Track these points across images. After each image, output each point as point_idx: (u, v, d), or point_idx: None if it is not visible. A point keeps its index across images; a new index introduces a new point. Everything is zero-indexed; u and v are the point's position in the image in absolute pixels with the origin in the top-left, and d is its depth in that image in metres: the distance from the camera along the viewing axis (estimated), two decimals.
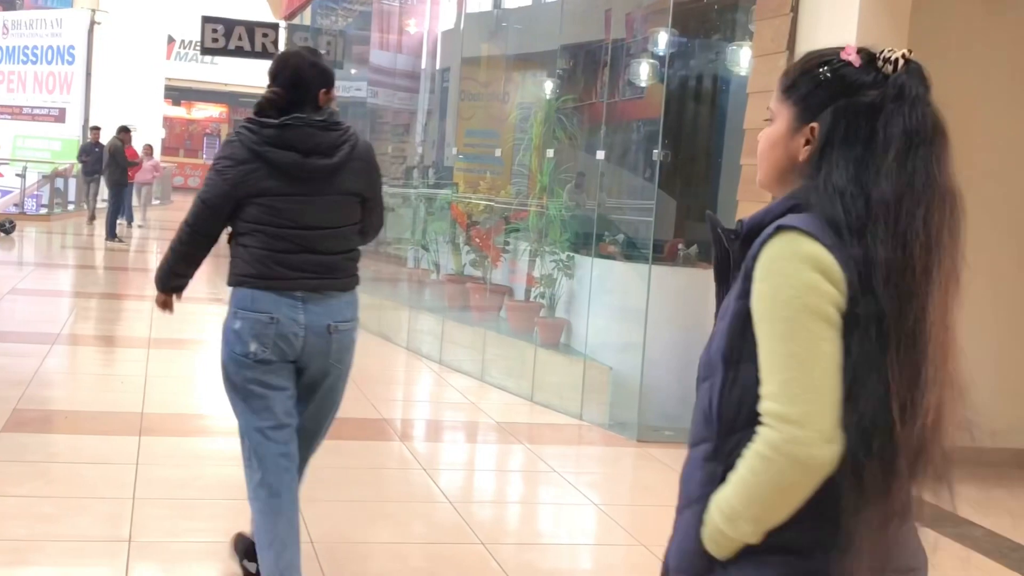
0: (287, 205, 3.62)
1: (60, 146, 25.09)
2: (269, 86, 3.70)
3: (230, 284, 3.73)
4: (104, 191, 19.61)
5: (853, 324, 1.64)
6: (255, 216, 3.63)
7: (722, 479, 1.72)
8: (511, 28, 11.06)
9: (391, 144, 14.44)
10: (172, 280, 3.90)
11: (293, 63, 3.73)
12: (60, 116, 25.14)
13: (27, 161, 22.20)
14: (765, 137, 1.86)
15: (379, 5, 14.27)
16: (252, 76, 33.16)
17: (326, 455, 6.09)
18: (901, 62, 1.75)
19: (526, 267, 9.01)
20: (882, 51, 1.77)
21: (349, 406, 7.34)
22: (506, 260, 9.47)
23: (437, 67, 13.31)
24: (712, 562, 1.74)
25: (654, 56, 8.69)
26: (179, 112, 38.68)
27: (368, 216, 3.84)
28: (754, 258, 1.71)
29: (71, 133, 25.16)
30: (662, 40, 8.44)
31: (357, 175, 3.73)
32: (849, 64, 1.78)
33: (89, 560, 4.36)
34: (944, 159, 1.73)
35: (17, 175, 21.58)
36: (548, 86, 9.65)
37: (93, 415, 6.61)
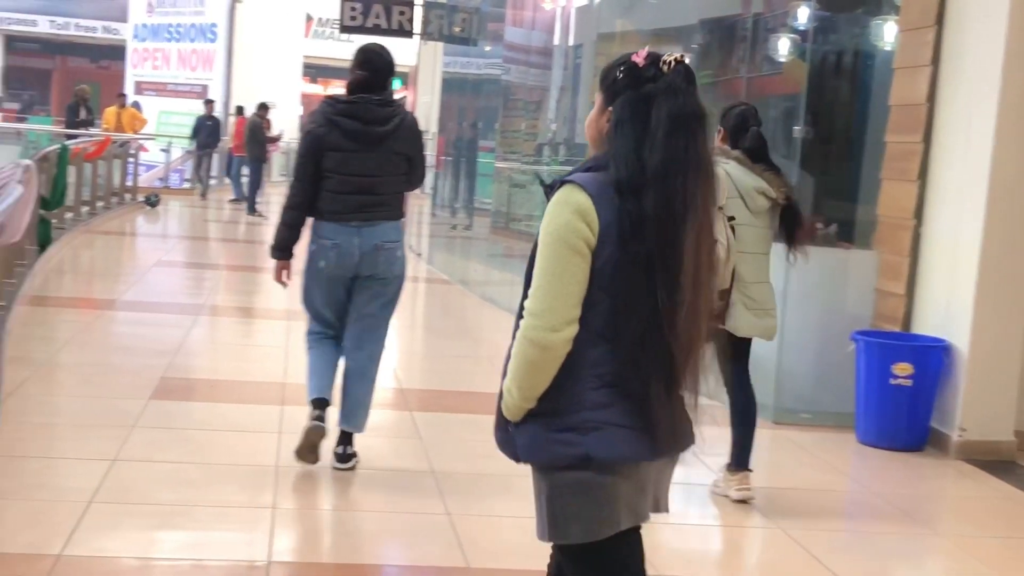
0: (351, 159, 4.97)
1: None
2: (352, 70, 5.04)
3: (310, 215, 5.08)
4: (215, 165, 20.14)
5: (628, 258, 2.27)
6: (329, 167, 4.98)
7: None
8: (647, 3, 10.96)
9: (524, 121, 14.47)
10: (284, 245, 5.15)
11: (370, 55, 5.08)
12: (203, 93, 25.77)
13: (171, 137, 22.86)
14: (590, 115, 2.47)
15: None
16: None
17: (460, 428, 6.18)
18: (674, 64, 2.33)
19: None
20: (663, 55, 2.34)
21: (483, 380, 7.44)
22: None
23: (571, 43, 13.26)
24: (507, 422, 2.45)
25: (794, 30, 8.50)
26: (316, 89, 39.37)
27: (412, 170, 5.18)
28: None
29: (213, 109, 25.87)
30: (803, 14, 8.26)
31: (404, 140, 5.07)
32: (637, 65, 2.35)
33: (233, 525, 4.49)
34: (701, 138, 2.32)
35: (162, 150, 22.23)
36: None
37: (236, 384, 6.80)
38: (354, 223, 4.99)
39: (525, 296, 2.36)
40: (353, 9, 14.06)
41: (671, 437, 2.41)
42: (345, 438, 5.16)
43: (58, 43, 36.95)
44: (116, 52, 31.23)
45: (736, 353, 5.20)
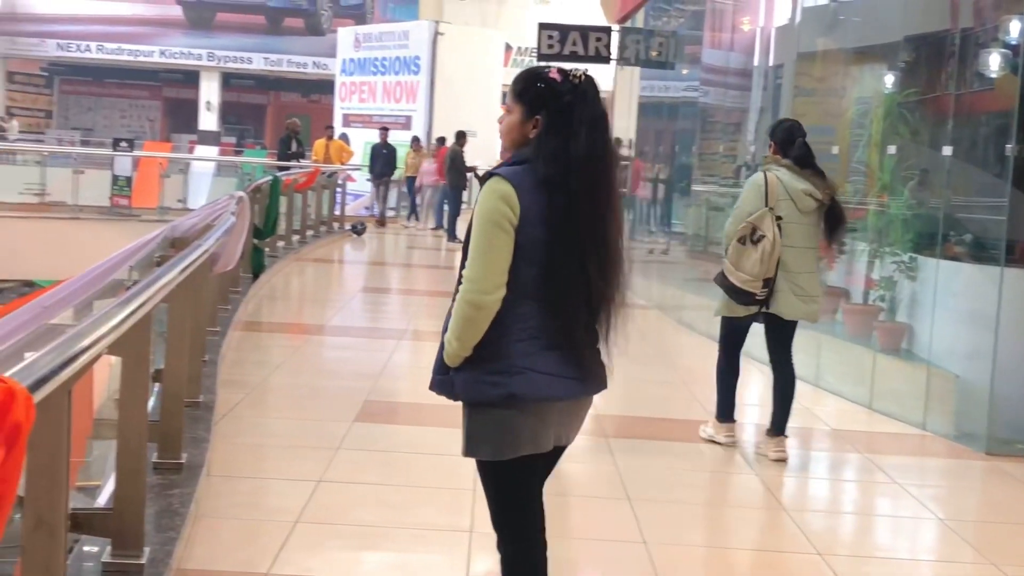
0: None
1: (406, 152, 26.51)
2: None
3: None
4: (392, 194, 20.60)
5: (554, 235, 2.85)
6: None
7: None
8: (849, 21, 10.69)
9: (722, 143, 14.30)
10: None
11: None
12: (406, 124, 26.49)
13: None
14: (507, 123, 3.00)
15: (712, 4, 14.17)
16: None
17: (657, 455, 6.14)
18: (584, 77, 2.94)
19: (864, 269, 8.67)
20: (571, 71, 2.94)
21: (679, 407, 7.37)
22: (842, 261, 9.16)
23: (770, 63, 13.06)
24: (447, 369, 2.96)
25: (1006, 45, 8.15)
26: None
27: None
28: None
29: (387, 138, 26.55)
30: (1015, 28, 7.91)
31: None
32: (555, 80, 2.92)
33: (433, 548, 4.57)
34: (608, 134, 2.97)
35: (368, 180, 22.92)
36: (888, 79, 9.26)
37: (436, 408, 6.92)
38: None
39: (463, 266, 2.91)
40: (550, 37, 14.22)
41: (584, 382, 3.01)
42: None
43: (271, 79, 38.66)
44: (325, 86, 32.47)
45: (781, 335, 6.17)
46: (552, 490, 5.39)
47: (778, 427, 6.17)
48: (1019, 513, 5.66)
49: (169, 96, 40.34)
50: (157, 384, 5.11)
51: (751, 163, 12.40)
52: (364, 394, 7.00)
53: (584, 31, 14.42)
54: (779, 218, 5.89)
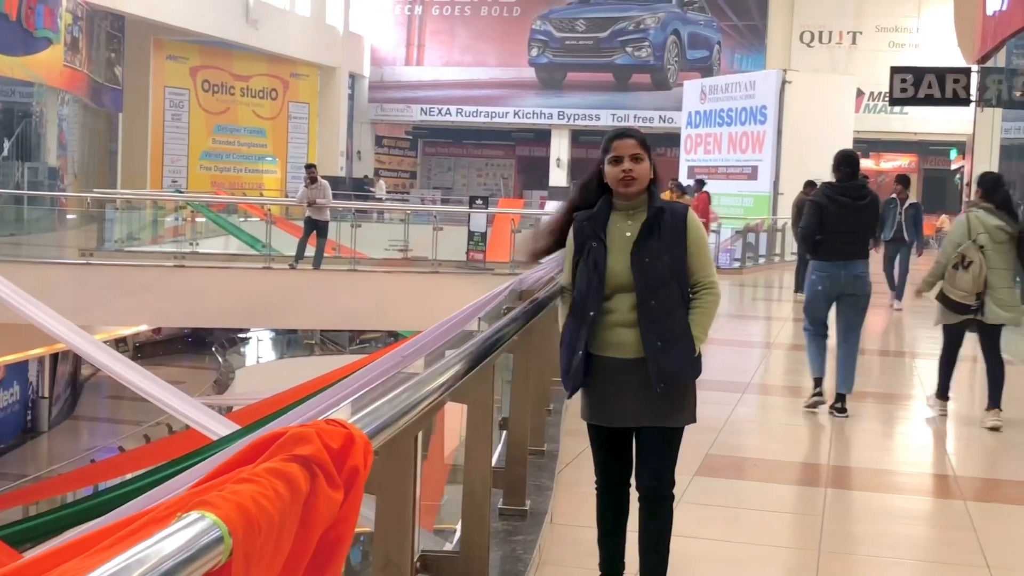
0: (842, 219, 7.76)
1: (752, 202, 26.22)
2: (838, 167, 7.93)
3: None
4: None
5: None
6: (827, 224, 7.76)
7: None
8: None
9: None
10: None
11: (848, 158, 7.96)
12: (752, 174, 26.27)
13: (722, 218, 23.46)
14: (645, 170, 3.95)
15: None
16: (942, 123, 32.41)
17: (1020, 522, 5.69)
18: None
19: None
20: None
21: None
22: None
23: None
24: (694, 358, 3.95)
25: None
26: (868, 164, 38.69)
27: (874, 227, 8.31)
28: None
29: (762, 189, 26.18)
30: None
31: (873, 208, 8.08)
32: None
33: None
34: None
35: (712, 231, 22.88)
36: None
37: (781, 464, 6.77)
38: (838, 261, 7.80)
39: (684, 278, 3.92)
40: (904, 80, 13.74)
41: None
42: (840, 399, 7.92)
43: None
44: (671, 140, 32.74)
45: (991, 335, 7.96)
46: (904, 554, 5.14)
47: (993, 401, 7.87)
48: None
49: (522, 154, 42.01)
50: (504, 432, 5.28)
51: None
52: (706, 447, 6.93)
53: (940, 73, 13.82)
54: (981, 247, 7.68)
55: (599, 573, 4.12)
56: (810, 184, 19.87)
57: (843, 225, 7.68)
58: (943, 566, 5.05)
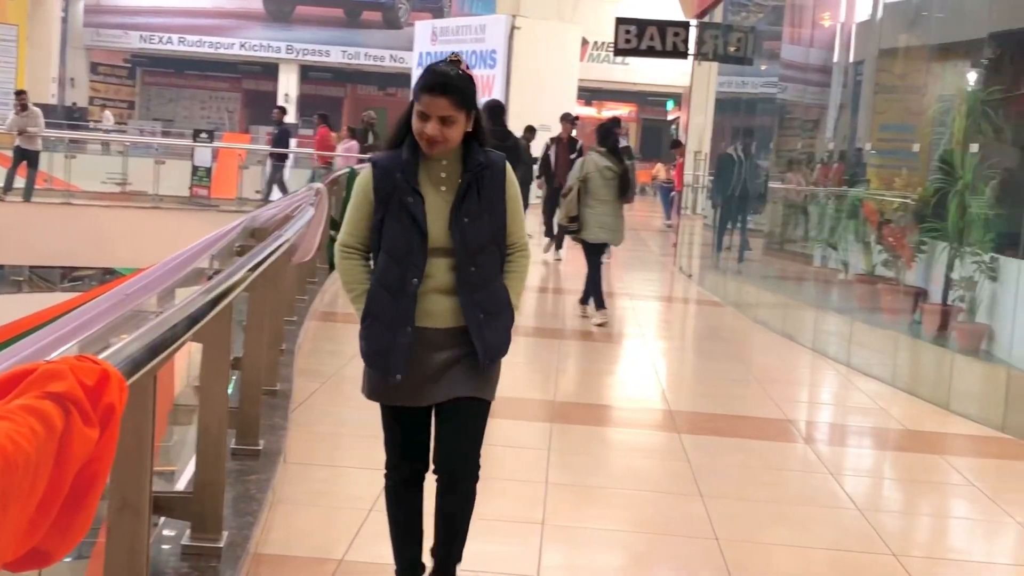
0: None
1: None
2: None
3: None
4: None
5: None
6: None
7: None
8: (932, 16, 10.52)
9: (800, 140, 14.17)
10: None
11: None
12: None
13: None
14: (457, 132, 3.36)
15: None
16: (661, 75, 33.73)
17: (730, 452, 6.12)
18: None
19: (943, 269, 8.55)
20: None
21: (753, 404, 7.33)
22: (921, 260, 9.03)
23: (851, 60, 12.90)
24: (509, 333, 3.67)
25: None
26: (590, 112, 39.90)
27: None
28: None
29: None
30: None
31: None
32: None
33: (505, 539, 4.60)
34: None
35: None
36: (972, 77, 9.11)
37: (508, 401, 6.97)
38: None
39: (503, 239, 3.53)
40: (628, 32, 14.20)
41: None
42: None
43: (348, 72, 39.02)
44: (402, 79, 32.70)
45: (593, 251, 10.13)
46: (624, 484, 5.44)
47: (599, 304, 10.04)
48: None
49: (248, 88, 40.90)
50: (235, 372, 5.19)
51: (829, 160, 12.29)
52: None
53: (662, 26, 14.37)
54: (584, 182, 9.78)
55: None
56: (529, 129, 20.31)
57: None
58: (662, 495, 5.36)
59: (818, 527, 5.11)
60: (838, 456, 6.61)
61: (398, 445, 3.63)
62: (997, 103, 8.29)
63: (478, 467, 3.70)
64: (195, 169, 20.10)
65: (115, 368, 1.68)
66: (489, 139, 3.47)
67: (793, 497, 5.57)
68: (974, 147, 8.20)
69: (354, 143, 20.50)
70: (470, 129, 3.39)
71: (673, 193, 22.12)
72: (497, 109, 10.96)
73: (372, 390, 3.62)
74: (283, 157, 20.98)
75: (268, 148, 21.44)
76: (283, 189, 19.66)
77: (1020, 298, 7.36)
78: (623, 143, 14.87)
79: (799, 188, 12.95)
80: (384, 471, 3.70)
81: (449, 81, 3.31)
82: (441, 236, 3.40)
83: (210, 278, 4.79)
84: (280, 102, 37.88)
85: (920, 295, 8.96)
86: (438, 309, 3.45)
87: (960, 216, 8.20)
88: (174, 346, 2.58)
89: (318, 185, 8.59)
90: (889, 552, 4.68)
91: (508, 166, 3.52)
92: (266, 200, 18.94)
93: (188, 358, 5.65)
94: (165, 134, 33.44)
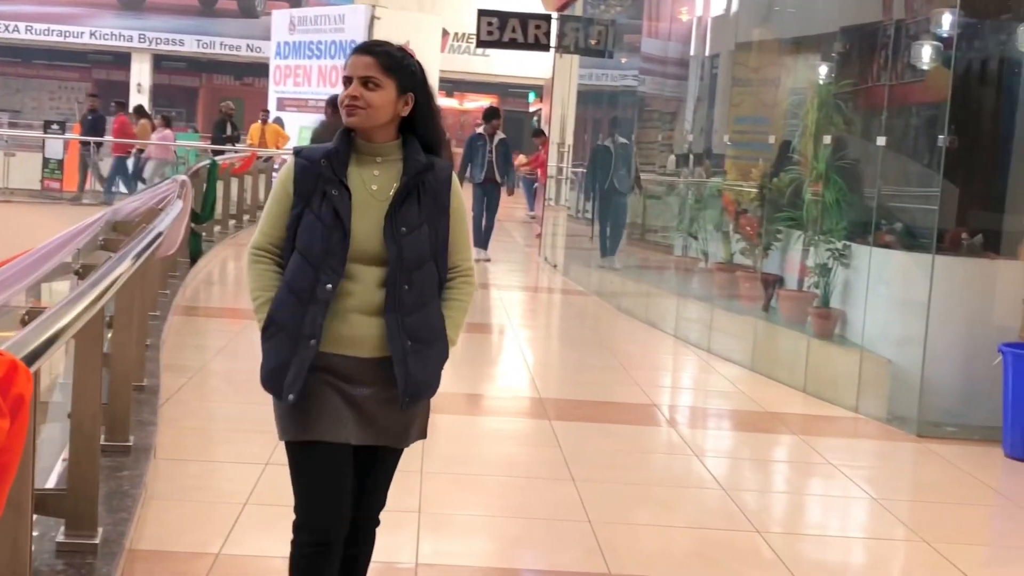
0: None
1: None
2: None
3: None
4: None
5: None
6: None
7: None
8: (785, 11, 10.86)
9: (660, 132, 14.46)
10: None
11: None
12: None
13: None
14: (383, 99, 2.89)
15: None
16: (522, 67, 33.94)
17: (599, 438, 6.25)
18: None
19: (799, 256, 8.86)
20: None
21: (620, 390, 7.50)
22: (778, 248, 9.34)
23: (707, 53, 13.22)
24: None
25: (938, 37, 8.35)
26: (452, 103, 39.92)
27: None
28: None
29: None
30: (946, 20, 8.11)
31: None
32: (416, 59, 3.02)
33: (382, 529, 4.61)
34: None
35: None
36: (824, 70, 9.43)
37: None
38: None
39: (444, 259, 3.02)
40: (490, 24, 14.28)
41: None
42: None
43: (204, 61, 38.23)
44: (259, 69, 32.18)
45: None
46: (498, 471, 5.52)
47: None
48: (948, 493, 5.85)
49: (99, 78, 39.71)
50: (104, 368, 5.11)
51: (688, 152, 12.58)
52: None
53: (524, 18, 14.49)
54: None
55: None
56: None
57: None
58: (534, 480, 5.46)
59: (684, 506, 5.27)
60: (701, 438, 6.82)
61: (312, 497, 3.00)
62: (848, 96, 8.62)
63: (383, 506, 3.23)
64: (46, 161, 19.51)
65: (21, 359, 1.67)
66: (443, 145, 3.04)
67: (660, 479, 5.74)
68: (826, 139, 8.50)
69: (168, 132, 20.17)
70: (405, 115, 2.93)
71: (536, 184, 22.32)
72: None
73: (283, 428, 3.02)
74: (98, 145, 20.63)
75: (126, 140, 20.86)
76: (140, 180, 19.26)
77: (872, 284, 7.67)
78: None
79: (660, 179, 13.24)
80: (292, 536, 3.09)
81: (379, 44, 2.98)
82: (366, 241, 2.87)
83: (78, 272, 4.71)
84: (132, 92, 37.01)
85: (777, 282, 9.26)
86: (359, 334, 2.89)
87: (814, 206, 8.51)
88: (63, 338, 2.55)
89: (183, 177, 8.45)
90: (752, 529, 4.86)
91: (454, 176, 3.02)
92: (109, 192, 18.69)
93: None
94: (12, 125, 32.30)
